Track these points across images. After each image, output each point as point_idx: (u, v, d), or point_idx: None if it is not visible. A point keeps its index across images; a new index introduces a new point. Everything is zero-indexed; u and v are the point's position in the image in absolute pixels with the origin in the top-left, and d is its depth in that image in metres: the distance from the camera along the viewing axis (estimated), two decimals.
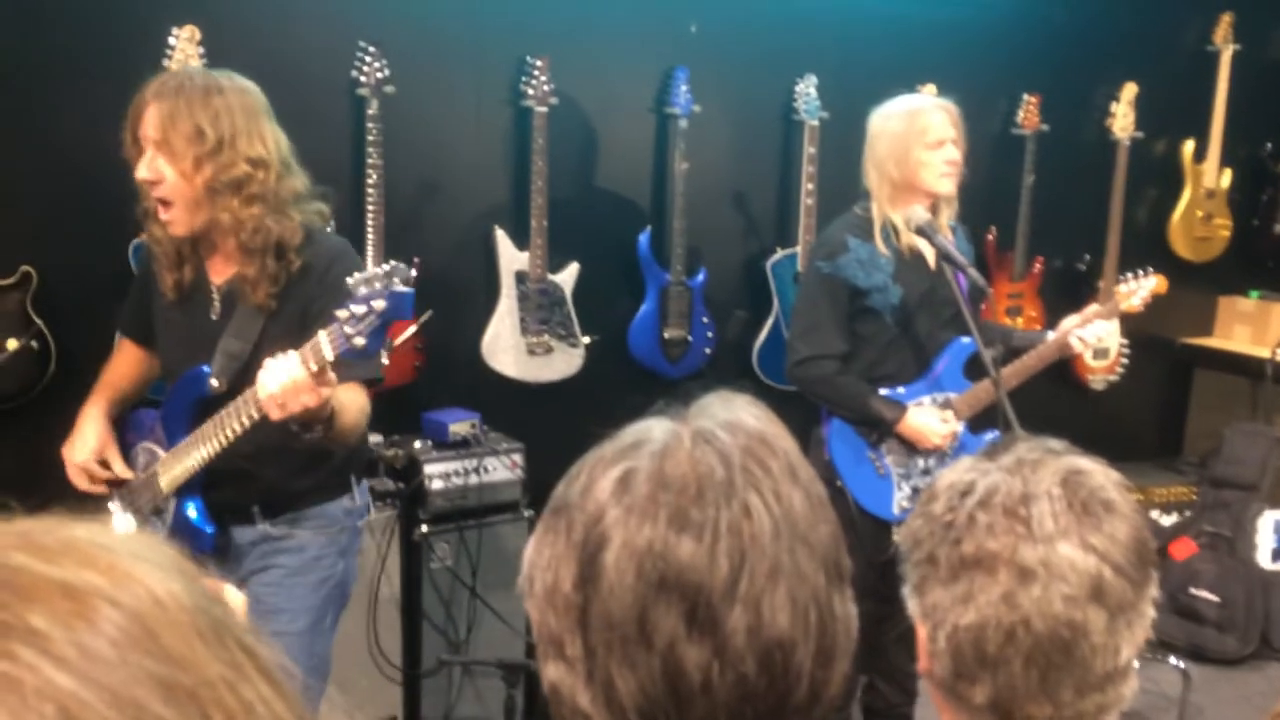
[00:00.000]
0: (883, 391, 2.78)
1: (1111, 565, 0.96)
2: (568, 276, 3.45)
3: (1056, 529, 0.96)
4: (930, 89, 3.88)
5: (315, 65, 3.09)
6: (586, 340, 3.48)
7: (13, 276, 2.72)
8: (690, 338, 3.64)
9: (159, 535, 2.05)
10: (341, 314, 1.84)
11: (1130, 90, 4.30)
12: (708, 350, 3.70)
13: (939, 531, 0.99)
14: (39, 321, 2.74)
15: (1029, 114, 4.12)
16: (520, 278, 3.37)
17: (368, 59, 3.05)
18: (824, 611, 0.77)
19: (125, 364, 2.34)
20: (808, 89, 3.70)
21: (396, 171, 3.13)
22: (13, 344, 2.71)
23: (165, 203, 2.03)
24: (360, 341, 1.84)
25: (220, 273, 2.14)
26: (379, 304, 1.85)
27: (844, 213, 2.87)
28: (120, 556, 0.48)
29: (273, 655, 0.51)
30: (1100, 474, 1.01)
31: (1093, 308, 2.96)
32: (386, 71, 3.06)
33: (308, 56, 3.08)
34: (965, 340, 2.83)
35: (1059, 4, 4.18)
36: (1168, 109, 4.45)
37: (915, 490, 2.83)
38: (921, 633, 1.01)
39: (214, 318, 2.13)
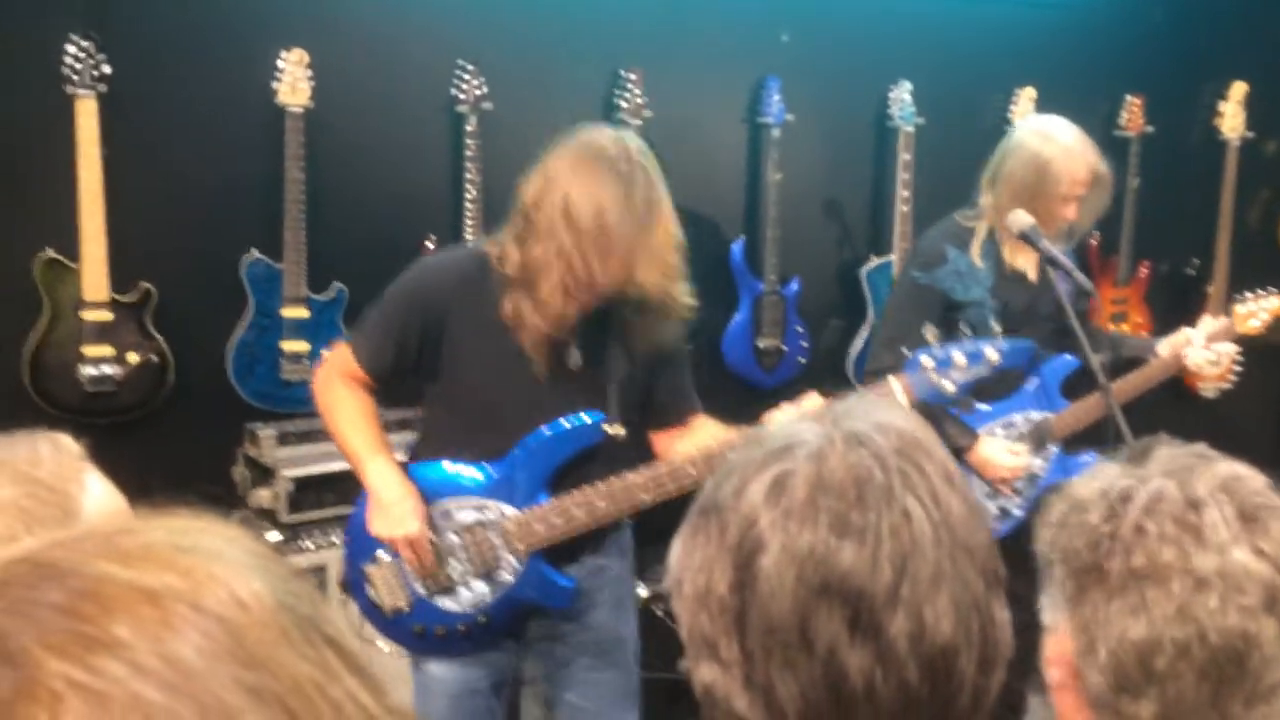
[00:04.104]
0: (979, 406, 2.72)
1: None
2: None
3: (1229, 536, 0.91)
4: (1029, 93, 3.82)
5: (416, 84, 3.17)
6: None
7: (133, 293, 2.84)
8: (784, 347, 3.63)
9: (484, 603, 2.05)
10: (927, 362, 1.93)
11: (1239, 89, 4.16)
12: (802, 359, 3.68)
13: (1102, 542, 0.93)
14: (158, 336, 2.86)
15: (1133, 116, 4.02)
16: None
17: (466, 77, 3.12)
18: (985, 619, 0.77)
19: (370, 407, 2.08)
20: (902, 95, 3.67)
21: (494, 186, 3.18)
22: (134, 358, 2.83)
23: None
24: (949, 387, 1.94)
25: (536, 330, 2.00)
26: (994, 355, 1.94)
27: (942, 219, 2.80)
28: (201, 557, 0.47)
29: (361, 647, 0.50)
30: (1256, 478, 0.97)
31: (1204, 328, 2.82)
32: (485, 89, 3.13)
33: (409, 76, 3.16)
34: (1065, 357, 2.75)
35: (1161, 2, 4.06)
36: (1279, 107, 4.29)
37: (1003, 510, 2.76)
38: (1067, 645, 0.96)
39: (576, 366, 2.03)
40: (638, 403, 2.13)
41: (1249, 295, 2.93)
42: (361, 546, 2.07)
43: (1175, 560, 0.91)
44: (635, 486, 2.00)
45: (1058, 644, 0.97)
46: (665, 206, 1.94)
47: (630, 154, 1.91)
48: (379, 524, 2.00)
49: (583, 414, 2.03)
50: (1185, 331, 2.81)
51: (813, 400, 1.96)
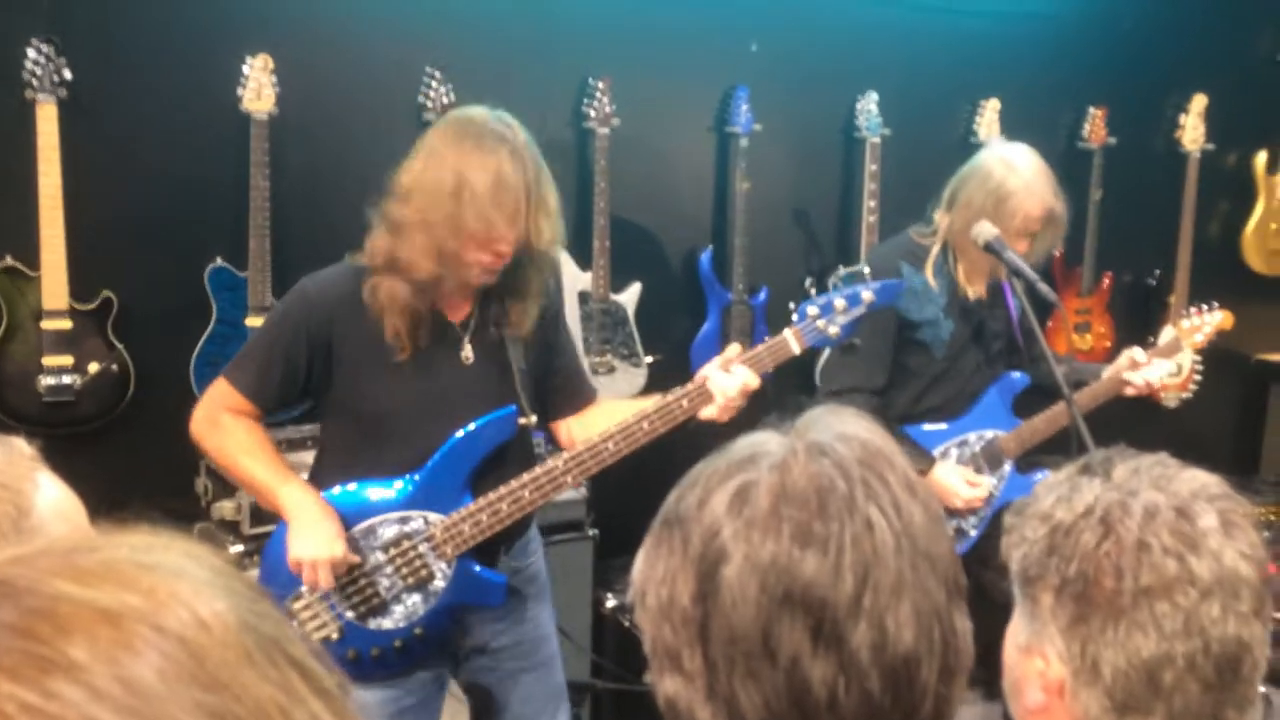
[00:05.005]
0: (927, 427, 2.73)
1: (1262, 575, 0.92)
2: (630, 296, 3.46)
3: (1219, 542, 0.91)
4: (994, 105, 3.86)
5: (383, 90, 3.15)
6: (649, 360, 3.49)
7: (94, 302, 2.80)
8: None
9: (415, 613, 2.02)
10: (811, 311, 2.07)
11: (1200, 101, 4.22)
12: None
13: (1104, 563, 0.91)
14: (119, 345, 2.83)
15: (1095, 128, 4.07)
16: (583, 298, 3.39)
17: (434, 83, 3.10)
18: (946, 628, 0.77)
19: (264, 436, 2.06)
20: (869, 105, 3.69)
21: None
22: (94, 367, 2.79)
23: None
24: (834, 330, 2.08)
25: (457, 312, 2.06)
26: (868, 295, 2.10)
27: (895, 235, 2.80)
28: (162, 576, 0.46)
29: (327, 668, 0.49)
30: (1219, 483, 0.97)
31: (1152, 347, 2.84)
32: (452, 95, 3.11)
33: (376, 82, 3.14)
34: (1015, 375, 2.77)
35: (1125, 16, 4.12)
36: (1239, 120, 4.36)
37: (958, 531, 2.77)
38: (1059, 669, 0.93)
39: (467, 358, 2.05)
40: (536, 392, 2.16)
41: (1193, 310, 2.97)
42: (281, 584, 2.01)
43: (1180, 572, 0.90)
44: (558, 471, 2.02)
45: (1042, 667, 0.95)
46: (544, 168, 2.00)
47: (505, 121, 1.99)
48: (299, 547, 1.93)
49: (497, 410, 2.04)
50: (1129, 354, 2.82)
51: (732, 349, 2.08)
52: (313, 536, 1.94)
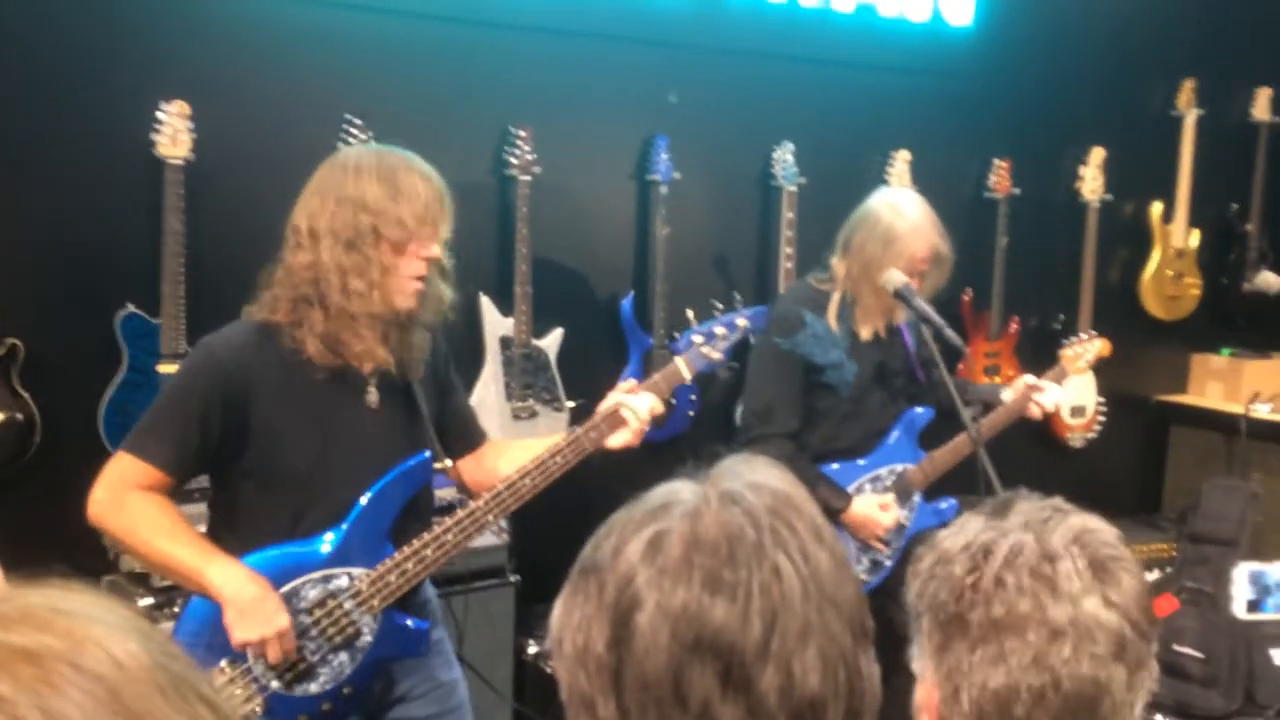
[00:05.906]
0: (839, 465, 2.80)
1: (1130, 622, 0.97)
2: (552, 341, 3.48)
3: (1081, 587, 0.96)
4: (905, 156, 3.98)
5: (302, 138, 3.13)
6: (571, 404, 3.50)
7: None
8: (673, 400, 3.67)
9: (340, 672, 1.97)
10: (696, 339, 2.22)
11: (1098, 154, 4.41)
12: (691, 413, 3.73)
13: (965, 594, 0.98)
14: (24, 394, 2.75)
15: (1000, 178, 4.22)
16: (505, 343, 3.40)
17: (354, 131, 3.10)
18: (852, 671, 0.79)
19: (178, 512, 1.92)
20: (785, 155, 3.78)
21: None
22: None
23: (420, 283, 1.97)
24: (717, 355, 2.22)
25: (365, 360, 1.99)
26: (743, 321, 2.25)
27: (795, 284, 2.89)
28: (77, 620, 0.49)
29: (232, 705, 0.52)
30: (1107, 530, 1.02)
31: (1035, 378, 2.99)
32: (373, 143, 3.11)
33: (295, 129, 3.13)
34: (918, 410, 2.87)
35: (1027, 73, 4.30)
36: (1135, 172, 4.56)
37: (874, 563, 2.84)
38: (935, 694, 1.00)
39: (374, 406, 2.01)
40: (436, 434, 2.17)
41: (1074, 339, 3.11)
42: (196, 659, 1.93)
43: (1032, 611, 0.96)
44: (479, 511, 2.03)
45: (925, 692, 1.01)
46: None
47: (374, 148, 2.02)
48: (245, 629, 1.84)
49: (410, 457, 2.02)
50: (1025, 378, 2.97)
51: (630, 382, 2.19)
52: (255, 616, 1.85)
